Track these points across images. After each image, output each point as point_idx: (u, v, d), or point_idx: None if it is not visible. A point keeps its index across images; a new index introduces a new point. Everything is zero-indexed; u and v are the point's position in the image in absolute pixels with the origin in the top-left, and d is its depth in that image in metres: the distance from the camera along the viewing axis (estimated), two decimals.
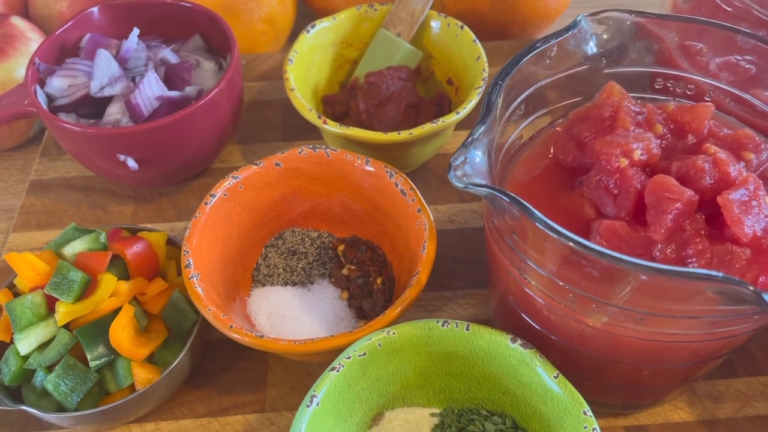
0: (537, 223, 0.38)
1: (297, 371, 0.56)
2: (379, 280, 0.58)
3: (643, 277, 0.37)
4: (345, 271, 0.59)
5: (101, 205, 0.68)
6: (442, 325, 0.47)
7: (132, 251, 0.53)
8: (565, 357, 0.46)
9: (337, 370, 0.45)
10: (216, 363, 0.57)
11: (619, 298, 0.39)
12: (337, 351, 0.47)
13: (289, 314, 0.56)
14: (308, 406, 0.44)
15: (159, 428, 0.53)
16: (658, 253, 0.41)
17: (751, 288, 0.35)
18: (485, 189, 0.39)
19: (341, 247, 0.60)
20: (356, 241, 0.61)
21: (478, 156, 0.41)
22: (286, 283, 0.58)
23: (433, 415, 0.50)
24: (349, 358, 0.46)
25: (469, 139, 0.42)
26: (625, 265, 0.36)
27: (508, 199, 0.38)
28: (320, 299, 0.57)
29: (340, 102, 0.68)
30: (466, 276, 0.62)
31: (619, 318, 0.40)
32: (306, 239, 0.61)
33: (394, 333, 0.47)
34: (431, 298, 0.61)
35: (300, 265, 0.59)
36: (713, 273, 0.35)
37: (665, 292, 0.38)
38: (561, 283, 0.41)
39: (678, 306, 0.39)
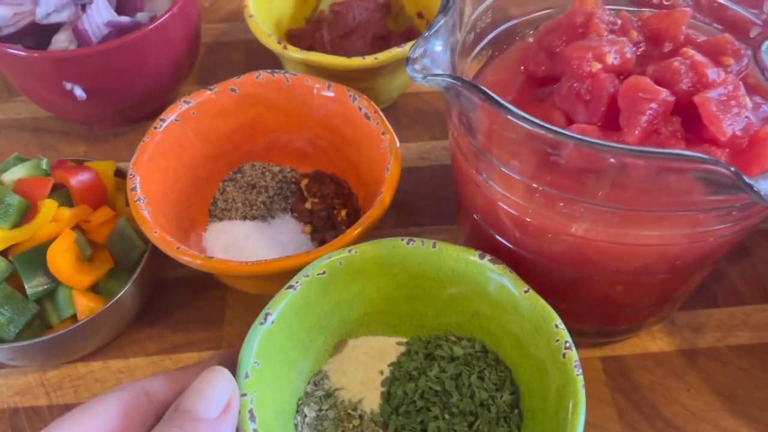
0: (498, 109, 0.35)
1: (256, 308, 0.52)
2: (343, 212, 0.55)
3: (612, 161, 0.34)
4: (308, 205, 0.56)
5: (52, 146, 0.65)
6: (407, 243, 0.44)
7: (76, 179, 0.50)
8: (537, 275, 0.43)
9: (295, 289, 0.42)
10: (170, 301, 0.54)
11: (587, 195, 0.37)
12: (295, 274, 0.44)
13: (247, 247, 0.52)
14: (262, 323, 0.41)
15: (107, 366, 0.50)
16: None
17: (732, 169, 0.32)
18: (445, 79, 0.36)
19: (304, 182, 0.57)
20: (320, 175, 0.57)
21: (439, 46, 0.38)
22: (245, 217, 0.55)
23: (399, 344, 0.47)
24: (307, 276, 0.43)
25: (429, 32, 0.39)
26: (597, 147, 0.33)
27: (468, 86, 0.35)
28: (281, 233, 0.54)
29: (305, 36, 0.65)
30: (435, 212, 0.60)
31: (589, 218, 0.38)
32: (267, 173, 0.58)
33: (356, 252, 0.44)
34: (399, 234, 0.58)
35: (260, 199, 0.56)
36: (690, 153, 0.32)
37: (641, 184, 0.36)
38: (526, 181, 0.38)
39: (655, 199, 0.36)
